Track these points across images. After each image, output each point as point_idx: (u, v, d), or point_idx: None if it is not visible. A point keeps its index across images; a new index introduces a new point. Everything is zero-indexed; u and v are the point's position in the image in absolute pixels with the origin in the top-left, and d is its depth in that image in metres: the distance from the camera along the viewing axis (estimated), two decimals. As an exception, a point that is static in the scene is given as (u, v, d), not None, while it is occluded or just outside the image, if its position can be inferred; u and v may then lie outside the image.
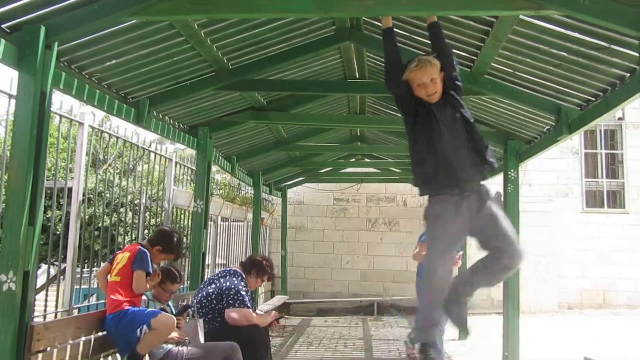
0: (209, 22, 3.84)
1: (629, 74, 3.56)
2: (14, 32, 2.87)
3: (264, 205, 10.17)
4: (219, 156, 6.65)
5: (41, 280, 7.10)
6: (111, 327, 3.59)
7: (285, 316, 9.30)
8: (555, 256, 11.17)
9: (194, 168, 6.26)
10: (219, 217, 8.09)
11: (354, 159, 10.22)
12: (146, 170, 6.02)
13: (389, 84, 2.85)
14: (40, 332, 2.91)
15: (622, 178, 11.89)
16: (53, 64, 2.92)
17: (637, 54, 3.27)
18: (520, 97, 4.49)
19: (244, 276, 4.87)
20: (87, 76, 3.81)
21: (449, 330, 8.37)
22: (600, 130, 11.90)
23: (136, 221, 5.96)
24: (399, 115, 5.81)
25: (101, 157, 4.98)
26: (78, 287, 4.53)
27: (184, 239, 6.76)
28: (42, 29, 2.84)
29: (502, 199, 5.73)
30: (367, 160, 10.22)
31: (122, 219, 5.89)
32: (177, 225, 6.63)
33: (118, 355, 3.83)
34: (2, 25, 2.85)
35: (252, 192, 9.23)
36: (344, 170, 10.79)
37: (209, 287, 4.72)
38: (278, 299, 10.10)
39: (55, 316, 4.08)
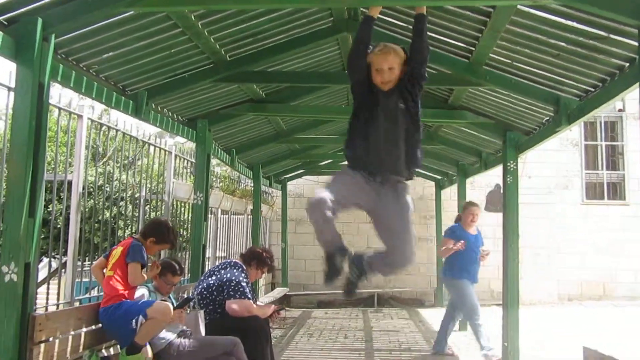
0: (206, 14, 3.83)
1: (628, 64, 3.55)
2: (11, 24, 2.87)
3: (264, 198, 10.19)
4: (218, 149, 6.65)
5: (43, 273, 7.13)
6: (104, 319, 3.60)
7: (286, 308, 9.35)
8: (555, 248, 11.20)
9: (193, 161, 6.27)
10: (219, 210, 8.11)
11: (353, 152, 10.20)
12: (146, 163, 6.03)
13: (351, 68, 2.86)
14: (42, 323, 2.93)
15: (622, 170, 11.89)
16: (50, 56, 2.93)
17: (636, 43, 3.25)
18: (519, 87, 4.49)
19: (245, 268, 4.89)
20: (84, 68, 3.82)
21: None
22: (601, 122, 11.90)
23: (136, 214, 5.98)
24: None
25: (100, 150, 4.98)
26: (79, 280, 4.56)
27: (184, 232, 6.79)
28: (39, 21, 2.84)
29: (502, 190, 5.74)
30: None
31: (122, 212, 5.91)
32: (177, 217, 6.65)
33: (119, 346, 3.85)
34: (0, 18, 2.85)
35: (252, 184, 9.25)
36: (344, 163, 10.79)
37: (209, 279, 4.75)
38: (279, 291, 10.14)
39: (57, 308, 4.11)
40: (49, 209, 4.69)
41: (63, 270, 4.34)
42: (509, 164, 5.51)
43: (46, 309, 3.99)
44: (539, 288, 10.77)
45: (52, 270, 5.52)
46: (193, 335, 4.12)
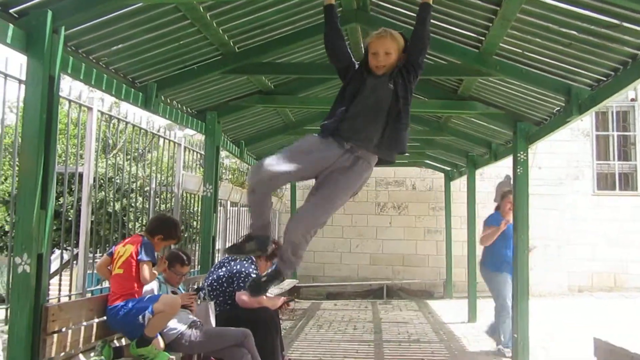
0: (214, 5, 3.83)
1: (640, 52, 3.51)
2: (21, 17, 2.89)
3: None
4: (227, 141, 6.67)
5: (55, 265, 7.20)
6: (111, 318, 3.63)
7: (295, 299, 9.39)
8: (565, 239, 11.13)
9: (202, 153, 6.29)
10: (229, 202, 8.14)
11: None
12: (155, 155, 6.05)
13: (331, 58, 2.87)
14: (54, 313, 2.97)
15: (634, 160, 11.77)
16: (61, 49, 2.94)
17: (649, 32, 3.22)
18: (529, 77, 4.44)
19: (254, 259, 4.92)
20: (94, 60, 3.83)
21: (459, 313, 8.39)
22: (612, 112, 11.77)
23: (146, 206, 6.01)
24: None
25: (110, 142, 5.01)
26: (91, 271, 4.60)
27: (195, 224, 6.83)
28: (49, 13, 2.85)
29: (512, 181, 5.70)
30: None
31: (132, 204, 5.94)
32: (187, 209, 6.68)
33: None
34: (10, 10, 2.86)
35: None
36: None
37: (219, 271, 4.77)
38: (288, 283, 10.16)
39: (70, 299, 4.15)
40: (60, 201, 4.73)
41: (75, 262, 4.38)
42: (519, 154, 5.47)
43: (58, 300, 4.03)
44: (549, 279, 10.73)
45: (64, 261, 5.58)
46: (204, 326, 4.15)
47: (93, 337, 3.57)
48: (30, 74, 2.85)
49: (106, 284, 4.98)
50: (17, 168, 3.29)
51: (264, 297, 4.78)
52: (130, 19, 3.58)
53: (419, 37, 2.77)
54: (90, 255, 4.59)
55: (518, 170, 5.44)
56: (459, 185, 10.65)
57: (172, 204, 6.20)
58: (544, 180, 11.00)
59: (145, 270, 3.67)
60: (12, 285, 2.78)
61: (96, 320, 3.62)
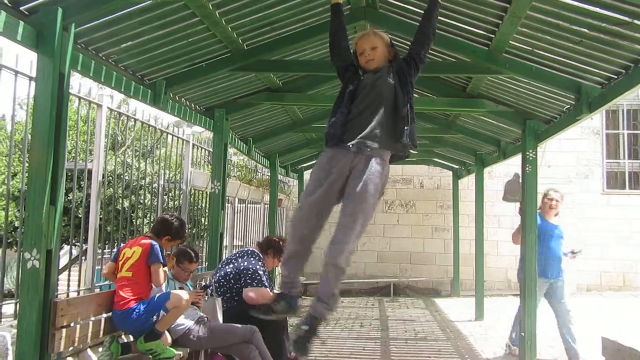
0: (223, 2, 3.83)
1: (652, 50, 3.47)
2: (31, 14, 2.90)
3: (281, 187, 10.22)
4: (235, 138, 6.68)
5: (64, 261, 7.25)
6: (120, 322, 3.62)
7: (302, 297, 9.38)
8: (574, 238, 11.05)
9: (211, 150, 6.31)
10: (236, 199, 8.16)
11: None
12: (164, 152, 6.08)
13: (333, 57, 2.87)
14: (63, 308, 2.99)
15: (644, 159, 11.67)
16: (71, 46, 2.95)
17: (660, 29, 3.18)
18: (539, 75, 4.41)
19: (262, 256, 4.93)
20: (104, 58, 3.85)
21: (461, 310, 8.38)
22: (623, 110, 11.67)
23: (155, 203, 6.04)
24: (417, 95, 5.79)
25: (119, 139, 5.04)
26: (100, 267, 4.63)
27: (203, 220, 6.85)
28: (59, 10, 2.86)
29: (520, 180, 5.67)
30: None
31: (141, 201, 5.97)
32: (195, 206, 6.71)
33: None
34: (21, 8, 2.88)
35: (269, 174, 9.28)
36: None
37: (227, 267, 4.79)
38: (295, 280, 10.18)
39: (78, 294, 4.18)
40: (69, 197, 4.76)
41: (83, 258, 4.42)
42: (528, 153, 5.44)
43: (67, 295, 4.06)
44: (557, 278, 10.66)
45: (73, 257, 5.62)
46: (211, 323, 4.17)
47: (101, 332, 3.59)
48: (40, 71, 2.86)
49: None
50: (26, 164, 3.32)
51: (271, 293, 4.79)
52: (140, 16, 3.59)
53: (424, 32, 2.78)
54: (99, 251, 4.62)
55: (527, 168, 5.41)
56: (467, 183, 10.62)
57: (180, 200, 6.23)
58: (553, 178, 10.92)
59: (160, 274, 3.67)
60: (22, 281, 2.81)
61: (104, 315, 3.65)
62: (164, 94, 4.48)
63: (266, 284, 4.74)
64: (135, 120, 5.02)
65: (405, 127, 2.66)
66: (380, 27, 4.82)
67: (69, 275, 4.20)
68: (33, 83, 3.12)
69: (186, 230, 4.11)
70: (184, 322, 3.97)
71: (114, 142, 5.73)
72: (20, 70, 3.41)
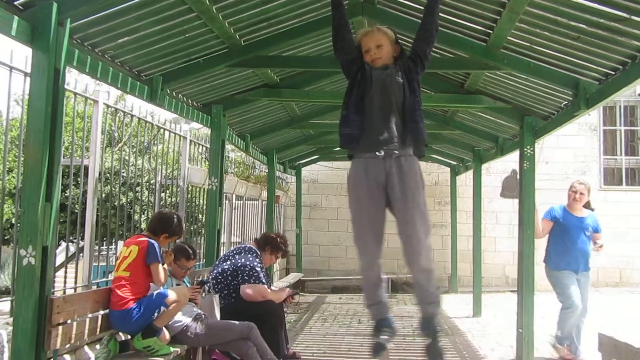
0: (220, -2, 3.81)
1: (650, 46, 3.46)
2: (26, 9, 2.87)
3: (278, 184, 10.21)
4: (233, 134, 6.66)
5: (61, 258, 7.24)
6: (119, 323, 3.59)
7: (300, 293, 9.39)
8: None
9: (208, 146, 6.29)
10: (234, 196, 8.15)
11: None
12: (161, 149, 6.06)
13: (337, 51, 2.84)
14: (59, 305, 2.98)
15: (641, 155, 11.69)
16: (66, 41, 2.93)
17: (658, 25, 3.18)
18: (537, 71, 4.41)
19: (259, 253, 4.93)
20: (100, 53, 3.82)
21: (461, 307, 8.38)
22: (620, 107, 11.68)
23: (152, 200, 6.03)
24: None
25: (116, 135, 5.02)
26: (97, 264, 4.62)
27: (200, 216, 6.84)
28: (55, 5, 2.83)
29: (518, 176, 5.67)
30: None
31: (139, 197, 5.96)
32: (192, 202, 6.70)
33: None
34: (15, 2, 2.86)
35: (267, 170, 9.27)
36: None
37: (224, 264, 4.79)
38: (293, 277, 10.20)
39: (75, 291, 4.17)
40: (66, 194, 4.74)
41: (80, 254, 4.40)
42: (525, 149, 5.44)
43: (64, 292, 4.05)
44: (554, 275, 10.69)
45: (70, 254, 5.60)
46: (209, 319, 4.16)
47: (98, 329, 3.58)
48: (35, 67, 2.84)
49: (112, 277, 5.00)
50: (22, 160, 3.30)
51: (269, 290, 4.79)
52: (136, 11, 3.56)
53: (426, 28, 2.76)
54: (96, 247, 4.61)
55: (525, 164, 5.41)
56: (465, 179, 10.62)
57: (178, 197, 6.21)
58: (551, 175, 10.94)
59: (161, 273, 3.65)
60: (17, 277, 2.79)
61: (101, 312, 3.63)
62: (161, 90, 4.45)
63: (263, 280, 4.74)
64: (132, 116, 5.00)
65: (418, 126, 2.67)
66: (378, 23, 4.82)
67: (66, 273, 4.19)
68: (28, 79, 3.10)
69: (183, 227, 4.10)
70: (182, 319, 3.96)
71: (110, 138, 5.71)
72: (15, 66, 3.38)
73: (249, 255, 4.80)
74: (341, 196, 11.69)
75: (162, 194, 6.11)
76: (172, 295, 3.65)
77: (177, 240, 4.49)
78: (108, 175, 5.26)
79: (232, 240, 8.22)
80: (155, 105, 4.54)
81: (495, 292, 10.59)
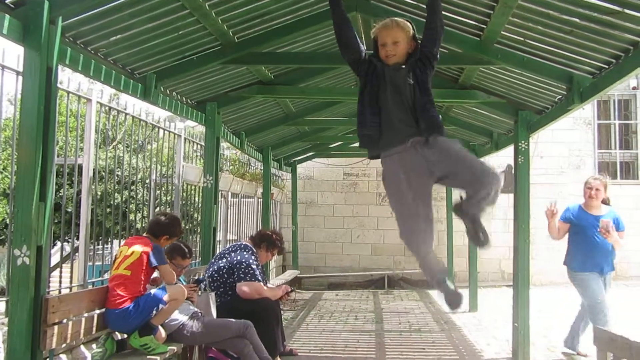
0: (213, -6, 3.79)
1: (643, 40, 3.47)
2: (18, 7, 2.85)
3: (274, 181, 10.20)
4: (227, 132, 6.65)
5: (56, 258, 7.21)
6: (116, 323, 3.59)
7: (297, 290, 9.40)
8: (567, 228, 11.11)
9: (203, 144, 6.27)
10: (229, 193, 8.14)
11: (363, 133, 10.15)
12: (156, 147, 6.04)
13: (342, 50, 2.80)
14: (54, 305, 2.97)
15: (635, 149, 11.74)
16: (58, 39, 2.91)
17: (651, 18, 3.18)
18: (531, 65, 4.41)
19: (255, 250, 4.92)
20: (92, 51, 3.80)
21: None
22: (614, 101, 11.72)
23: (147, 198, 6.01)
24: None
25: (110, 134, 4.99)
26: (92, 263, 4.60)
27: (196, 214, 6.82)
28: (46, 3, 2.82)
29: (512, 171, 5.68)
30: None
31: (134, 196, 5.94)
32: (188, 200, 6.68)
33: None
34: (6, 1, 2.83)
35: (262, 167, 9.25)
36: (353, 145, 10.75)
37: (220, 262, 4.78)
38: (289, 274, 10.20)
39: (70, 291, 4.15)
40: (61, 194, 4.73)
41: (76, 254, 4.38)
42: (520, 144, 5.45)
43: (59, 292, 4.03)
44: (550, 268, 10.72)
45: (65, 254, 5.58)
46: (205, 317, 4.16)
47: (94, 329, 3.57)
48: (27, 66, 2.82)
49: (107, 276, 4.99)
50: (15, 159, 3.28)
51: (264, 287, 4.79)
52: (129, 8, 3.54)
53: (431, 27, 2.71)
54: (91, 247, 4.59)
55: (519, 159, 5.42)
56: (460, 175, 10.61)
57: (173, 195, 6.19)
58: (546, 169, 10.98)
59: (167, 273, 3.76)
60: (12, 277, 2.78)
61: (97, 311, 3.62)
62: (155, 88, 4.43)
63: (259, 277, 4.74)
64: (126, 114, 4.98)
65: (432, 114, 2.66)
66: (372, 19, 4.81)
67: (61, 272, 4.17)
68: (21, 78, 3.08)
69: (182, 227, 4.13)
70: (178, 317, 3.95)
71: (104, 136, 5.69)
72: (7, 64, 3.36)
73: (245, 253, 4.79)
74: (337, 192, 11.70)
75: (158, 192, 6.10)
76: (170, 292, 3.66)
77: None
78: (102, 174, 5.24)
79: (228, 238, 8.21)
80: (149, 103, 4.52)
81: (491, 286, 10.62)
